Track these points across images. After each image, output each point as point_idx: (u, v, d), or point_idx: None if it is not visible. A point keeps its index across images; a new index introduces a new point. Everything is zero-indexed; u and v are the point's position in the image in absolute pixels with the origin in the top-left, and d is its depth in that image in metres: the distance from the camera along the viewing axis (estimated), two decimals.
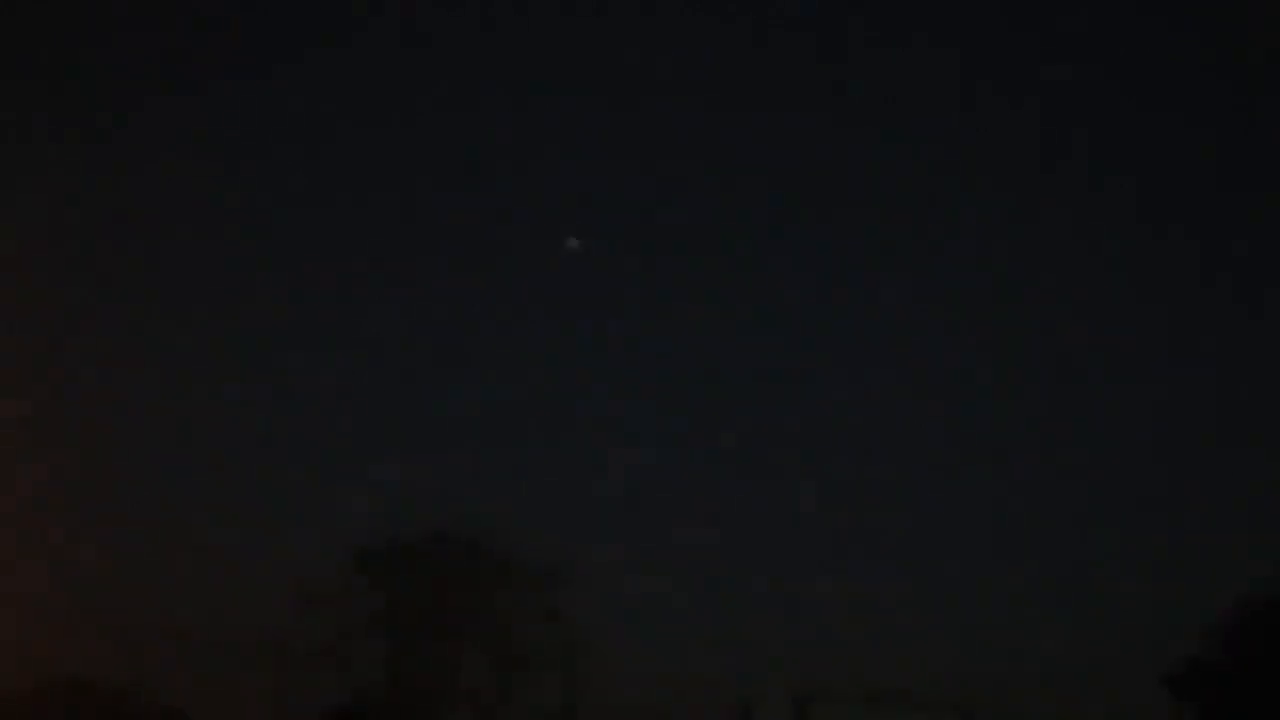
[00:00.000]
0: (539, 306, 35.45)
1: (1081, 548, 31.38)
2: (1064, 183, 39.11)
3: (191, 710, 26.03)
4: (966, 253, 38.28)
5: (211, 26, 36.43)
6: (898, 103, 39.77)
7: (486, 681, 26.95)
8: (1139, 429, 33.82)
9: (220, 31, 36.49)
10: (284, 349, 33.13)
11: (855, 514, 31.47)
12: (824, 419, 34.15)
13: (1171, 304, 36.71)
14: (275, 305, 34.14)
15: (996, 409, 35.03)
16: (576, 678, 26.69)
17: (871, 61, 39.96)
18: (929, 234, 38.83)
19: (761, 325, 37.16)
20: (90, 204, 32.46)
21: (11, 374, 28.52)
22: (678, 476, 32.00)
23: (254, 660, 25.94)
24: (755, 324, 37.10)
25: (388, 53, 37.77)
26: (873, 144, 39.65)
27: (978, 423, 34.77)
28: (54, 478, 27.39)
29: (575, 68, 38.35)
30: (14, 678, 25.35)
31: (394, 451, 30.76)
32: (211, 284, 34.02)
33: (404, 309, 35.13)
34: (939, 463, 33.48)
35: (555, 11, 38.91)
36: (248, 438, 31.12)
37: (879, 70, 39.56)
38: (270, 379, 32.41)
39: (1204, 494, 31.67)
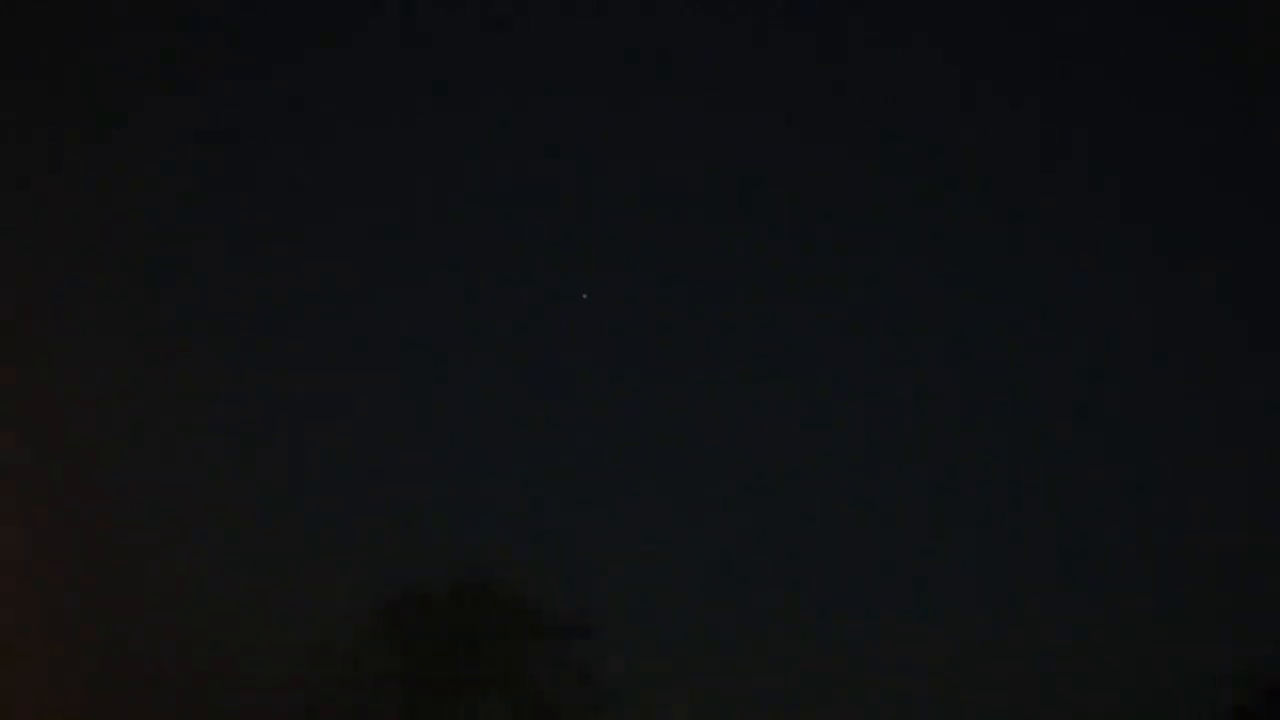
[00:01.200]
0: (562, 353, 34.81)
1: (1115, 599, 31.02)
2: (1066, 183, 38.93)
3: None
4: (971, 259, 38.05)
5: (210, 26, 35.56)
6: (898, 103, 39.45)
7: None
8: (1179, 467, 33.45)
9: (218, 31, 35.64)
10: (300, 393, 32.39)
11: (894, 577, 31.17)
12: (860, 465, 33.68)
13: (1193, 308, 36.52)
14: (291, 350, 33.30)
15: (1015, 450, 34.66)
16: None
17: (871, 62, 39.56)
18: (931, 236, 38.57)
19: (791, 361, 36.50)
20: (93, 211, 31.61)
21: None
22: (708, 529, 31.54)
23: (271, 717, 25.56)
24: (786, 362, 36.47)
25: (388, 53, 36.97)
26: (873, 145, 39.31)
27: (1001, 465, 34.33)
28: (55, 525, 26.81)
29: (574, 67, 37.74)
30: None
31: (414, 500, 30.24)
32: (226, 327, 33.20)
33: (424, 358, 34.37)
34: (972, 509, 33.15)
35: (555, 11, 38.18)
36: (261, 488, 30.43)
37: (879, 71, 39.21)
38: (285, 424, 31.67)
39: (1243, 537, 31.36)
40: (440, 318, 34.57)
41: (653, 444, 33.17)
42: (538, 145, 37.50)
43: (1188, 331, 36.47)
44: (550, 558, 28.20)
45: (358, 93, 37.00)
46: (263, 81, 35.98)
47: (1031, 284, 37.93)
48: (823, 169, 38.55)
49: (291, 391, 32.42)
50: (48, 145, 32.80)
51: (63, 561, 26.70)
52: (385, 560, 27.40)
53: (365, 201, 36.23)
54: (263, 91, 36.03)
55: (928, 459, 33.97)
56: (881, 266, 37.90)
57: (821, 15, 38.85)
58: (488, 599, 26.82)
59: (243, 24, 35.89)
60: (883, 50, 39.19)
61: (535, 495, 31.51)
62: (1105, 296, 37.78)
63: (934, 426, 34.73)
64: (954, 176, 38.88)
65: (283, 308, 33.76)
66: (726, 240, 37.80)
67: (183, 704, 25.57)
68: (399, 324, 34.49)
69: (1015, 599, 31.00)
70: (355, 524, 29.59)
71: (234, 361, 32.18)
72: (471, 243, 35.56)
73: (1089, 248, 37.78)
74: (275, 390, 32.34)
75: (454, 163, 37.06)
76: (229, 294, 33.58)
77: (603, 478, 32.12)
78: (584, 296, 33.96)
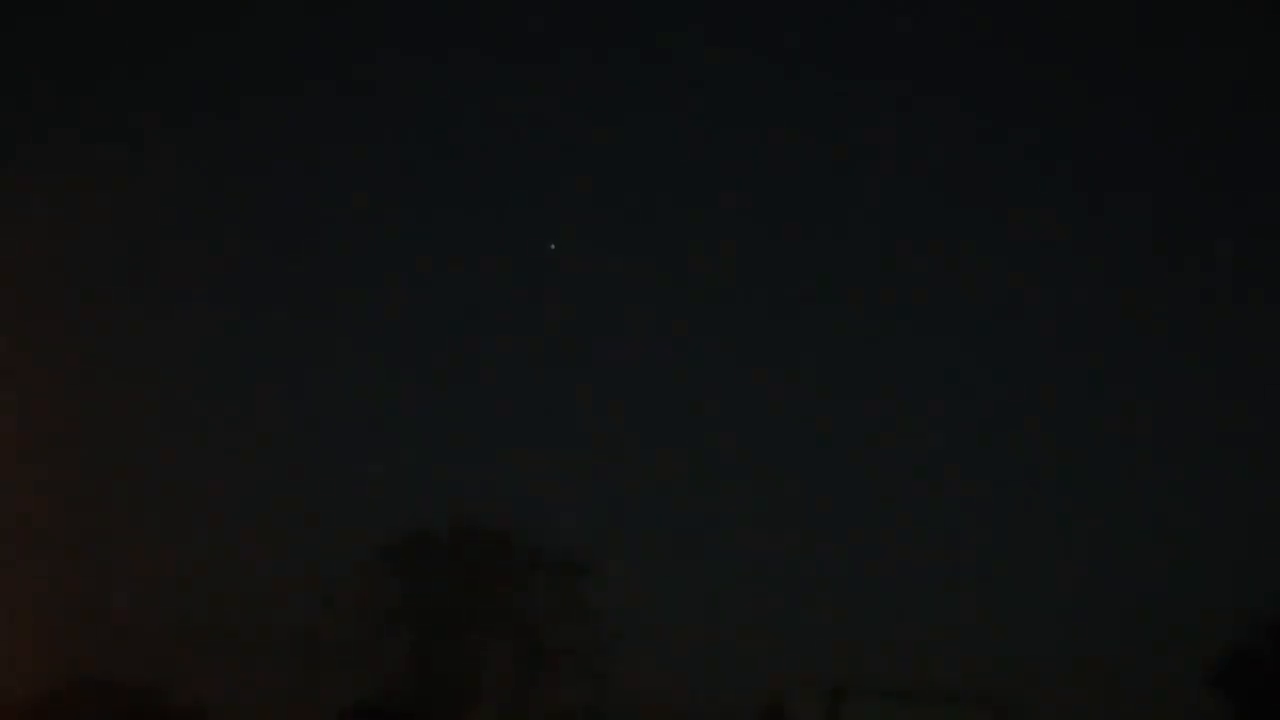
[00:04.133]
0: (562, 293, 35.28)
1: (1118, 539, 31.09)
2: (1068, 184, 39.36)
3: (214, 708, 25.65)
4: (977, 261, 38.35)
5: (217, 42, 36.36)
6: (899, 104, 40.04)
7: (512, 675, 26.65)
8: (1174, 420, 33.62)
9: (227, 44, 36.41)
10: (303, 340, 32.87)
11: (889, 506, 31.36)
12: (854, 410, 34.00)
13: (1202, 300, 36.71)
14: (292, 299, 33.84)
15: (1030, 400, 34.96)
16: (604, 671, 26.44)
17: (872, 62, 40.24)
18: (935, 240, 38.93)
19: (781, 319, 36.87)
20: (96, 207, 32.02)
21: (16, 369, 28.23)
22: (708, 467, 31.78)
23: (277, 656, 25.69)
24: (774, 318, 36.86)
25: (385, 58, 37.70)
26: (874, 147, 39.87)
27: (1011, 413, 34.65)
28: (65, 475, 27.08)
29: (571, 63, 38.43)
30: (33, 678, 24.97)
31: (418, 442, 30.59)
32: (222, 281, 33.74)
33: (425, 298, 34.95)
34: (972, 452, 33.41)
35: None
36: (267, 430, 30.73)
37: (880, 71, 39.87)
38: (288, 370, 32.11)
39: (1243, 483, 31.42)
40: (447, 271, 35.15)
41: (652, 389, 33.56)
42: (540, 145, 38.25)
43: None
44: (550, 498, 28.44)
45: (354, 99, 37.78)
46: (261, 90, 36.68)
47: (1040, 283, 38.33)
48: (824, 171, 39.25)
49: (301, 339, 32.89)
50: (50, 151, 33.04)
51: (72, 500, 26.89)
52: (388, 501, 27.63)
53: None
54: (261, 98, 36.79)
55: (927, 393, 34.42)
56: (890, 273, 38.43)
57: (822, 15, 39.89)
58: (491, 539, 26.99)
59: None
60: (883, 50, 40.05)
61: (537, 438, 31.85)
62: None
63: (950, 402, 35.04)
64: (960, 178, 39.61)
65: (305, 262, 34.34)
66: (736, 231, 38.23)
67: (192, 640, 25.71)
68: (409, 278, 35.07)
69: (1024, 538, 31.22)
70: (358, 466, 29.88)
71: (247, 311, 32.73)
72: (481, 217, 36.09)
73: (1096, 249, 38.31)
74: (285, 339, 32.82)
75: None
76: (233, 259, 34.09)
77: (602, 421, 32.49)
78: (551, 246, 34.80)
